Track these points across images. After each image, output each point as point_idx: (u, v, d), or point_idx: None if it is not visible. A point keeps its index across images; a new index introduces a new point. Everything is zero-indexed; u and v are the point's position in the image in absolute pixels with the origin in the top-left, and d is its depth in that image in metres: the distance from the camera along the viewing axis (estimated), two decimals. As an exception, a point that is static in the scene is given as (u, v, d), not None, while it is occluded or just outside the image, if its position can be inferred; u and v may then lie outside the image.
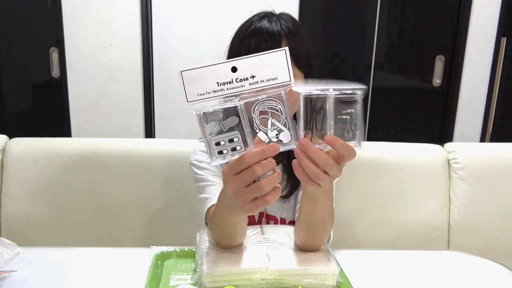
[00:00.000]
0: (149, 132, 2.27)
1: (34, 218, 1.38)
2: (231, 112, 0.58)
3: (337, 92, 0.61)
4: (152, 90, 2.26)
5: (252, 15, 0.98)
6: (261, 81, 0.57)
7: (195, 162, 1.04)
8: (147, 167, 1.38)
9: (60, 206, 1.38)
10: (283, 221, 1.05)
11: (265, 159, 0.60)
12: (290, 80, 0.57)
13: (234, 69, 0.57)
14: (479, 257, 1.00)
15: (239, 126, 0.58)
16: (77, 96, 2.25)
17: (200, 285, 0.80)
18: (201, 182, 1.00)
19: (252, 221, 1.06)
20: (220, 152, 0.59)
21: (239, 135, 0.58)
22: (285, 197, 1.04)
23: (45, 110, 2.45)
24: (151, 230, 1.39)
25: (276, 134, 0.59)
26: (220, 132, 0.58)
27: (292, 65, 0.92)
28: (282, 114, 0.58)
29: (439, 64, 2.40)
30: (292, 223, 1.03)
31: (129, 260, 0.94)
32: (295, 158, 1.00)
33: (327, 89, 0.61)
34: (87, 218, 1.39)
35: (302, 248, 0.87)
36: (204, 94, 0.57)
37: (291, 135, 0.60)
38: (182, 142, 1.43)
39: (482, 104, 2.38)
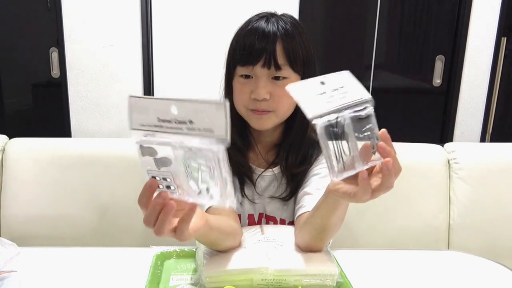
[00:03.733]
0: (149, 132, 2.27)
1: (34, 218, 1.37)
2: (164, 153, 0.56)
3: (350, 111, 0.60)
4: (152, 90, 2.26)
5: (253, 15, 0.98)
6: (198, 129, 0.52)
7: None
8: (147, 167, 1.38)
9: (60, 206, 1.38)
10: (282, 222, 1.05)
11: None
12: (226, 138, 0.52)
13: (174, 109, 0.54)
14: (479, 257, 1.00)
15: (173, 167, 0.56)
16: (77, 96, 2.25)
17: (200, 285, 0.80)
18: None
19: (252, 222, 1.06)
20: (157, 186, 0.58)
21: (171, 177, 0.57)
22: (285, 199, 1.04)
23: (45, 110, 2.45)
24: (151, 230, 1.39)
25: (207, 188, 0.56)
26: (156, 168, 0.57)
27: (287, 66, 0.92)
28: (212, 171, 0.54)
29: (439, 64, 2.40)
30: (291, 223, 1.03)
31: (129, 260, 0.94)
32: (293, 160, 1.00)
33: (339, 110, 0.60)
34: (87, 218, 1.39)
35: (303, 249, 0.87)
36: (145, 125, 0.55)
37: (220, 194, 0.55)
38: (182, 142, 1.42)
39: (482, 104, 2.38)
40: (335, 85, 0.62)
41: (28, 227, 1.37)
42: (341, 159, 0.61)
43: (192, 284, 0.81)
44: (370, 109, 0.61)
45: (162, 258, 0.91)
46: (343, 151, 0.61)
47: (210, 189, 0.56)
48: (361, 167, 0.62)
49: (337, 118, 0.60)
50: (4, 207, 1.38)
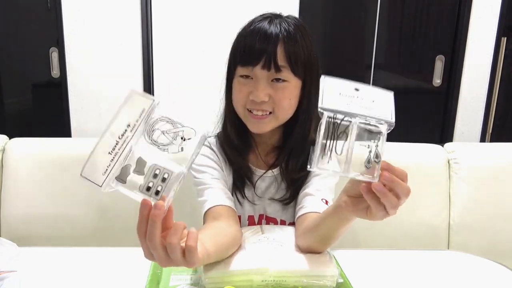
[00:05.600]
0: (149, 132, 2.27)
1: (34, 218, 1.37)
2: (135, 158, 0.58)
3: (361, 120, 0.61)
4: (152, 90, 2.26)
5: (257, 16, 0.97)
6: (136, 121, 0.58)
7: (194, 165, 1.03)
8: (147, 167, 1.38)
9: (60, 206, 1.38)
10: (283, 223, 1.05)
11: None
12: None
13: (111, 135, 0.59)
14: (479, 257, 1.00)
15: (151, 160, 0.58)
16: (77, 96, 2.25)
17: (200, 286, 0.80)
18: (200, 186, 1.00)
19: (252, 223, 1.06)
20: (157, 192, 0.58)
21: (158, 166, 0.58)
22: (285, 203, 1.04)
23: (45, 110, 2.45)
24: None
25: (177, 135, 0.59)
26: (143, 177, 0.58)
27: (287, 69, 0.91)
28: (171, 123, 0.59)
29: (439, 64, 2.40)
30: (292, 224, 1.03)
31: (129, 260, 0.94)
32: (294, 165, 1.00)
33: (352, 115, 0.60)
34: (87, 218, 1.39)
35: (303, 250, 0.86)
36: (106, 170, 0.58)
37: (194, 130, 0.59)
38: (182, 142, 1.42)
39: (482, 104, 2.38)
40: (366, 96, 0.63)
41: (28, 227, 1.37)
42: (328, 153, 0.61)
43: (192, 284, 0.81)
44: (382, 128, 0.62)
45: (162, 258, 0.91)
46: (334, 148, 0.61)
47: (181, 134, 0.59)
48: (353, 174, 0.62)
49: (343, 118, 0.61)
50: (4, 207, 1.38)
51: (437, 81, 2.42)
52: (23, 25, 2.30)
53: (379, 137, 0.62)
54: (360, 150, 0.62)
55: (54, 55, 2.27)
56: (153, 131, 0.58)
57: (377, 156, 0.61)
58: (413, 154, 1.45)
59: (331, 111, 0.61)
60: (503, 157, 1.47)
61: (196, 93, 2.22)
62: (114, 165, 0.57)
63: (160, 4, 2.18)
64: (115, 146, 0.58)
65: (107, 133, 0.59)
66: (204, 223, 0.94)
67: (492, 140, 2.43)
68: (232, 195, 1.02)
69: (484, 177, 1.43)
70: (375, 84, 2.38)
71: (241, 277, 0.79)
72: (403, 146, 1.47)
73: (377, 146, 0.61)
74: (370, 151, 0.61)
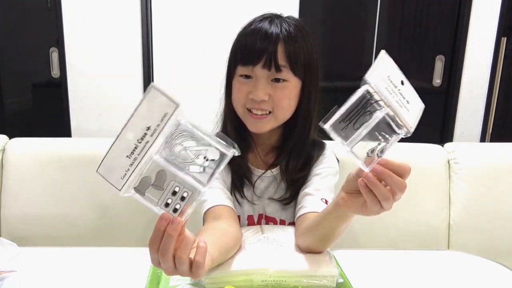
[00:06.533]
0: (149, 132, 2.27)
1: (34, 218, 1.38)
2: (154, 170, 0.56)
3: (390, 113, 0.61)
4: (152, 90, 2.26)
5: (257, 16, 0.97)
6: (157, 126, 0.53)
7: None
8: (147, 167, 1.38)
9: (60, 206, 1.38)
10: (282, 223, 1.05)
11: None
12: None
13: (130, 135, 0.54)
14: (479, 257, 1.00)
15: (171, 175, 0.56)
16: (77, 96, 2.25)
17: (200, 286, 0.80)
18: None
19: (251, 223, 1.06)
20: (175, 210, 0.57)
21: (177, 184, 0.56)
22: (285, 203, 1.04)
23: (45, 110, 2.45)
24: (151, 230, 1.39)
25: (204, 151, 0.57)
26: (162, 192, 0.57)
27: (287, 69, 0.91)
28: (192, 136, 0.56)
29: (439, 64, 2.40)
30: (292, 223, 1.03)
31: (129, 260, 0.94)
32: (294, 165, 1.00)
33: (388, 104, 0.60)
34: (87, 218, 1.39)
35: (303, 250, 0.86)
36: (125, 175, 0.55)
37: (218, 149, 0.56)
38: (182, 142, 1.42)
39: (482, 104, 2.38)
40: (406, 94, 0.63)
41: (28, 227, 1.37)
42: (347, 123, 0.60)
43: (192, 284, 0.81)
44: (401, 131, 0.62)
45: (162, 258, 0.90)
46: (355, 120, 0.60)
47: (208, 153, 0.57)
48: (352, 155, 0.61)
49: (377, 101, 0.60)
50: (4, 207, 1.38)
51: (437, 81, 2.41)
52: (23, 25, 2.30)
53: (393, 137, 0.62)
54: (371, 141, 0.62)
55: (54, 55, 2.27)
56: (175, 145, 0.56)
57: (382, 151, 0.62)
58: (413, 154, 1.45)
59: (373, 88, 0.60)
60: (503, 157, 1.47)
61: (196, 93, 2.21)
62: (133, 171, 0.54)
63: (160, 4, 2.18)
64: (134, 150, 0.54)
65: (125, 130, 0.54)
66: (204, 223, 0.94)
67: (492, 140, 2.42)
68: (231, 195, 1.02)
69: (484, 177, 1.43)
70: (375, 84, 2.39)
71: (241, 277, 0.79)
72: (403, 146, 1.47)
73: (387, 144, 0.62)
74: (379, 144, 0.61)
